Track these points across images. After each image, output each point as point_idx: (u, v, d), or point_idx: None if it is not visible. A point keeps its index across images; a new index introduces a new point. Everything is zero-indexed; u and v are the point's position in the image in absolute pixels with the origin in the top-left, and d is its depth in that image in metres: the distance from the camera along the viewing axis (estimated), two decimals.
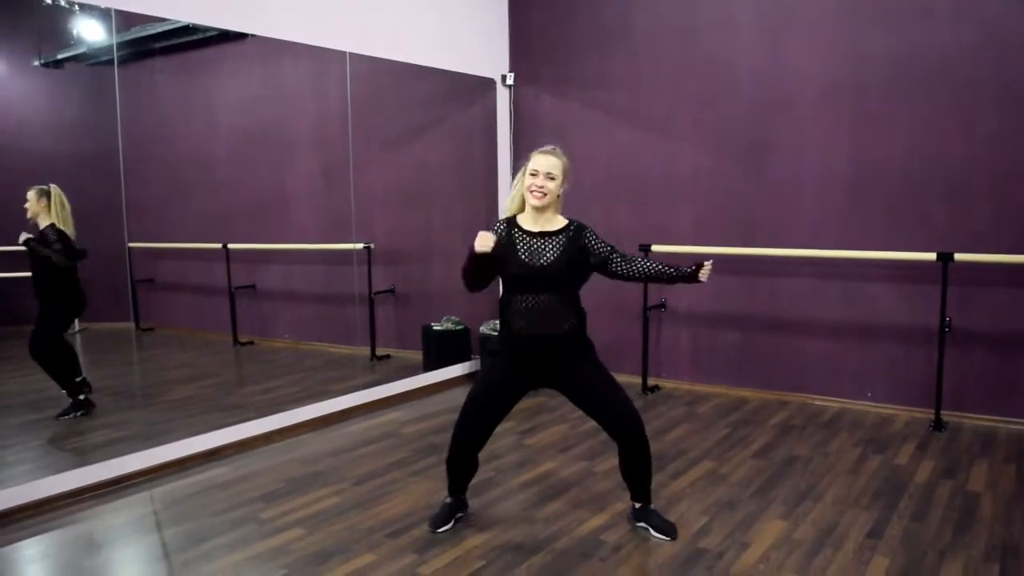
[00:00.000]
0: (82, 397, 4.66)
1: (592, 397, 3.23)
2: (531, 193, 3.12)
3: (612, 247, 3.22)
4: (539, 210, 3.16)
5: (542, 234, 3.17)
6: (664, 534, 3.28)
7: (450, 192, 6.49)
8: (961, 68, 4.71)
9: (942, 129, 4.79)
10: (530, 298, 3.12)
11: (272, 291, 6.42)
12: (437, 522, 3.38)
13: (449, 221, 6.46)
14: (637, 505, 3.39)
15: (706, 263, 3.15)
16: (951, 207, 4.80)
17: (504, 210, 3.31)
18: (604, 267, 3.21)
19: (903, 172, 4.92)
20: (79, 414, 4.65)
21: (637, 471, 3.31)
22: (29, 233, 4.43)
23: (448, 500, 3.45)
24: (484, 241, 3.07)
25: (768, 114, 5.32)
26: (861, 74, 5.00)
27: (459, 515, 3.44)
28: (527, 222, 3.20)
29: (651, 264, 3.22)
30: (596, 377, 3.23)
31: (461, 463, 3.36)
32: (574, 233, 3.19)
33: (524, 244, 3.15)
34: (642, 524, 3.35)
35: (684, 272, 3.17)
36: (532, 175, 3.13)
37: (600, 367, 3.25)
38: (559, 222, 3.21)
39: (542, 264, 3.12)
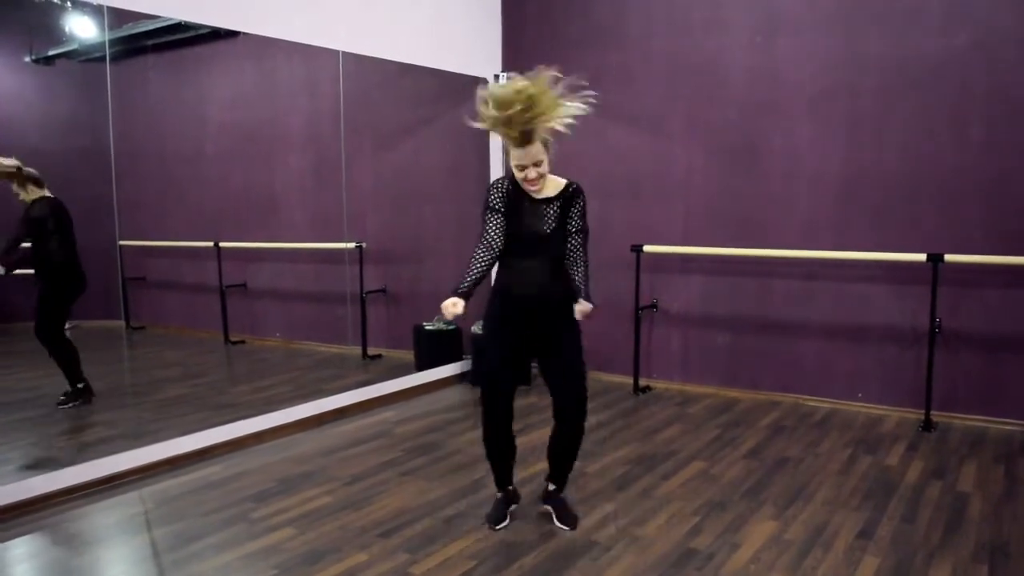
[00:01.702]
0: (80, 385, 4.65)
1: (557, 368, 3.26)
2: (528, 188, 3.10)
3: (579, 230, 3.18)
4: None
5: (540, 200, 3.15)
6: (564, 523, 3.34)
7: (442, 192, 6.48)
8: (953, 71, 4.73)
9: (933, 132, 4.82)
10: (527, 261, 3.15)
11: (263, 290, 6.41)
12: (495, 519, 3.39)
13: (441, 221, 6.45)
14: (551, 487, 3.44)
15: (580, 305, 3.05)
16: (942, 209, 4.82)
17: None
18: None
19: (894, 174, 4.94)
20: (79, 403, 4.64)
21: (564, 456, 3.37)
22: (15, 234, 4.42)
23: (499, 495, 3.47)
24: (453, 310, 2.97)
25: (760, 115, 5.34)
26: (853, 76, 5.02)
27: (513, 507, 3.47)
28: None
29: (577, 275, 3.13)
30: (570, 352, 3.25)
31: (500, 442, 3.33)
32: (569, 197, 3.18)
33: (528, 207, 3.14)
34: (547, 507, 3.42)
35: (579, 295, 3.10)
36: (519, 169, 3.06)
37: (578, 344, 3.27)
38: (557, 185, 3.19)
39: (544, 231, 3.13)
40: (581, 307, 3.06)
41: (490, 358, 3.30)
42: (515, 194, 3.15)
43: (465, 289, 3.03)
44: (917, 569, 2.99)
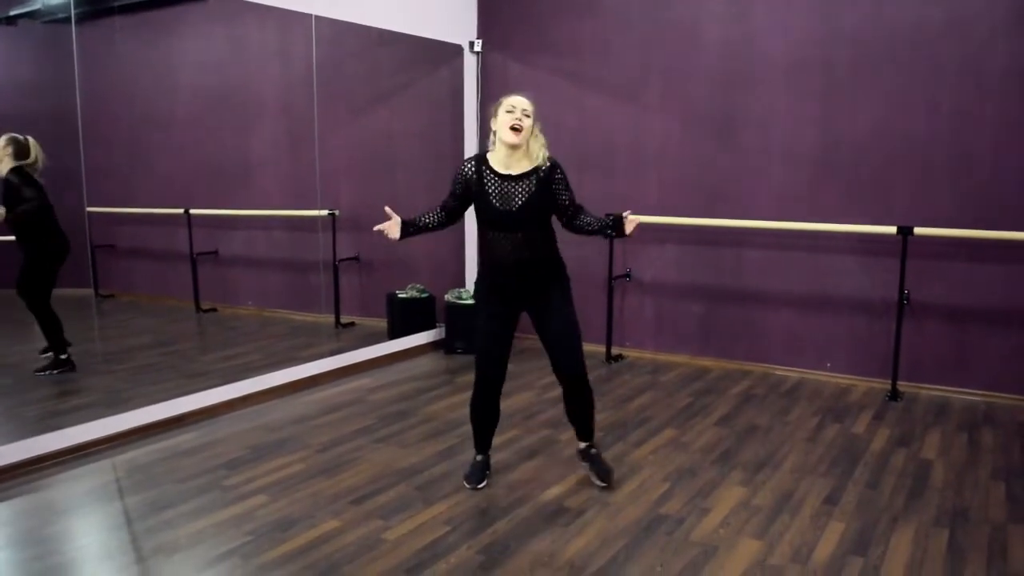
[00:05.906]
0: (64, 356, 4.62)
1: (551, 330, 3.35)
2: (511, 130, 3.16)
3: (571, 199, 3.32)
4: (511, 150, 3.21)
5: (511, 177, 3.23)
6: (601, 479, 3.45)
7: (416, 160, 6.43)
8: (928, 45, 4.75)
9: (907, 105, 4.84)
10: (503, 235, 3.25)
11: (235, 258, 6.35)
12: (474, 479, 3.49)
13: (414, 189, 6.40)
14: (581, 445, 3.55)
15: (628, 216, 3.27)
16: (914, 182, 4.87)
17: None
18: (560, 217, 3.36)
19: (868, 147, 4.97)
20: (57, 372, 4.61)
21: (579, 411, 3.48)
22: None
23: (479, 458, 3.57)
24: (389, 224, 3.37)
25: (736, 86, 5.34)
26: (829, 49, 5.02)
27: (488, 472, 3.56)
28: (498, 163, 3.26)
29: (591, 220, 3.33)
30: (561, 314, 3.34)
31: (487, 408, 3.47)
32: (545, 175, 3.24)
33: (495, 187, 3.24)
34: (585, 465, 3.53)
35: (608, 223, 3.29)
36: (508, 112, 3.18)
37: (569, 306, 3.36)
38: (528, 164, 3.26)
39: (511, 210, 3.21)
40: (630, 220, 3.26)
41: (481, 327, 3.39)
42: (482, 176, 3.26)
43: (409, 219, 3.38)
44: (881, 533, 3.06)
